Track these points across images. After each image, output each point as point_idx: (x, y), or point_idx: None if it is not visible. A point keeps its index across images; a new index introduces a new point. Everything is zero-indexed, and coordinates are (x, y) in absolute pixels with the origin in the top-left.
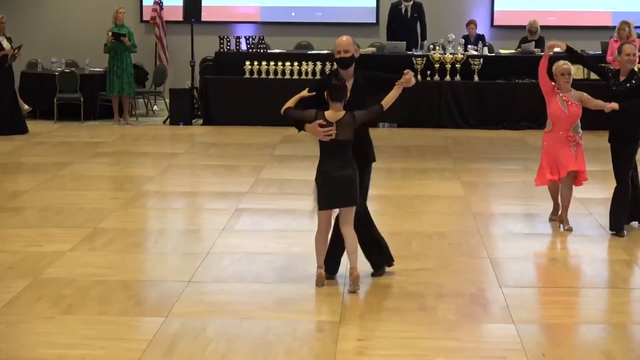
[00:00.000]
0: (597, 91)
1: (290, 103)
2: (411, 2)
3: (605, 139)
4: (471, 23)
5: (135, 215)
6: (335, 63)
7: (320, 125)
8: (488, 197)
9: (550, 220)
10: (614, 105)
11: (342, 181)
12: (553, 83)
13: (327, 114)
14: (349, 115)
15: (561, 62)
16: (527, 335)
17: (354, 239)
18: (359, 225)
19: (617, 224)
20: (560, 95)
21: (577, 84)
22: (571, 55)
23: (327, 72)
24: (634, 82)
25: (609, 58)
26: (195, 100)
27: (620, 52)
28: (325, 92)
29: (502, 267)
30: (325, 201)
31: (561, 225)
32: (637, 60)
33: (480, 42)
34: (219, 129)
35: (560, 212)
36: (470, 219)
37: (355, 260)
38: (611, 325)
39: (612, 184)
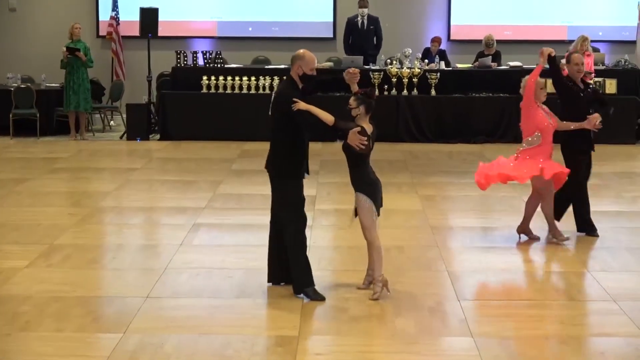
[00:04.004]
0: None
1: (329, 115)
2: (366, 15)
3: (557, 151)
4: (435, 40)
5: (92, 231)
6: (308, 77)
7: (360, 134)
8: (446, 210)
9: (520, 233)
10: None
11: (381, 186)
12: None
13: (365, 126)
14: (374, 127)
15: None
16: (485, 348)
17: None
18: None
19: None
20: (542, 107)
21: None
22: (553, 63)
23: (284, 84)
24: (590, 86)
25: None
26: (152, 116)
27: (568, 61)
28: (363, 106)
29: (460, 281)
30: (379, 205)
31: (521, 236)
32: (594, 73)
33: (437, 56)
34: (176, 144)
35: (522, 223)
36: (428, 232)
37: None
38: (569, 337)
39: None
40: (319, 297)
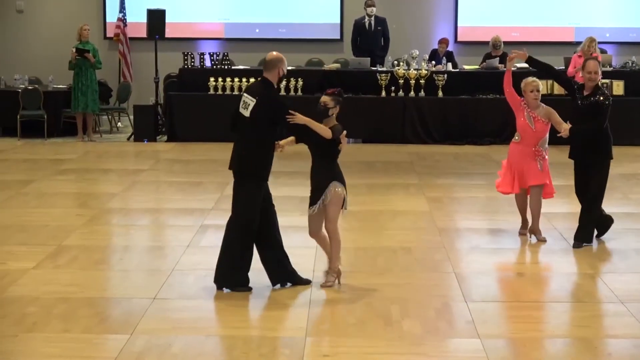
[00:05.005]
0: (561, 106)
1: (326, 129)
2: (373, 16)
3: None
4: (443, 42)
5: (99, 232)
6: (283, 78)
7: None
8: (453, 212)
9: (520, 234)
10: (565, 133)
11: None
12: (521, 98)
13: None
14: None
15: (530, 78)
16: (492, 350)
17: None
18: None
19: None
20: (528, 111)
21: (542, 99)
22: (534, 65)
23: (265, 88)
24: (596, 97)
25: (570, 71)
26: (159, 117)
27: (583, 67)
28: (338, 105)
29: (467, 282)
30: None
31: (532, 237)
32: (600, 76)
33: (444, 58)
34: (183, 146)
35: (531, 224)
36: (435, 234)
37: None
38: (575, 339)
39: (576, 199)
40: (244, 290)
